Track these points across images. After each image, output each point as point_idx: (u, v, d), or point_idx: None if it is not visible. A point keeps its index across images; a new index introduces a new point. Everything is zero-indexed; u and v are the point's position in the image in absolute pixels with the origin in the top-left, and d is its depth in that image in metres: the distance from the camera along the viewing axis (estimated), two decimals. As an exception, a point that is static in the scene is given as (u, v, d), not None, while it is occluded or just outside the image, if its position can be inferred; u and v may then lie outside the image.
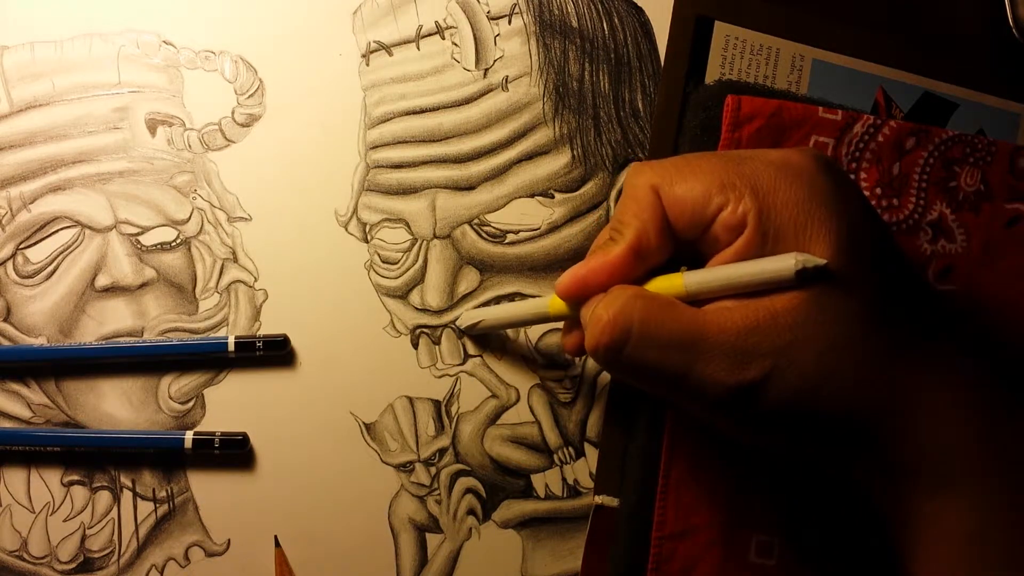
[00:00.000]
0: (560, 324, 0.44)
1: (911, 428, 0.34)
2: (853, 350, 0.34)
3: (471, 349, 0.46)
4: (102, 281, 0.46)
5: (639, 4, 0.48)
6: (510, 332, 0.46)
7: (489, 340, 0.46)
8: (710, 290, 0.35)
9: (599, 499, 0.44)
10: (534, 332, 0.46)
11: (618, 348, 0.35)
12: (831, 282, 0.34)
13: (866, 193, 0.44)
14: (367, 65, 0.48)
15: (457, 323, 0.46)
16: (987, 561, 0.33)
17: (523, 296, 0.46)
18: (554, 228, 0.47)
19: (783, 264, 0.33)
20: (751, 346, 0.34)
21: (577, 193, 0.47)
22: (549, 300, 0.40)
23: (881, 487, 0.36)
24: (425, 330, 0.46)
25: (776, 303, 0.34)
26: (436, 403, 0.46)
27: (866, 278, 0.34)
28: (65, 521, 0.45)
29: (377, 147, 0.47)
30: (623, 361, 0.36)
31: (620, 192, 0.47)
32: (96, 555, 0.45)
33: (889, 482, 0.35)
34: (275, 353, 0.45)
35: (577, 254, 0.47)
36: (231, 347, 0.45)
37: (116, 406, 0.46)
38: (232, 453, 0.45)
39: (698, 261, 0.37)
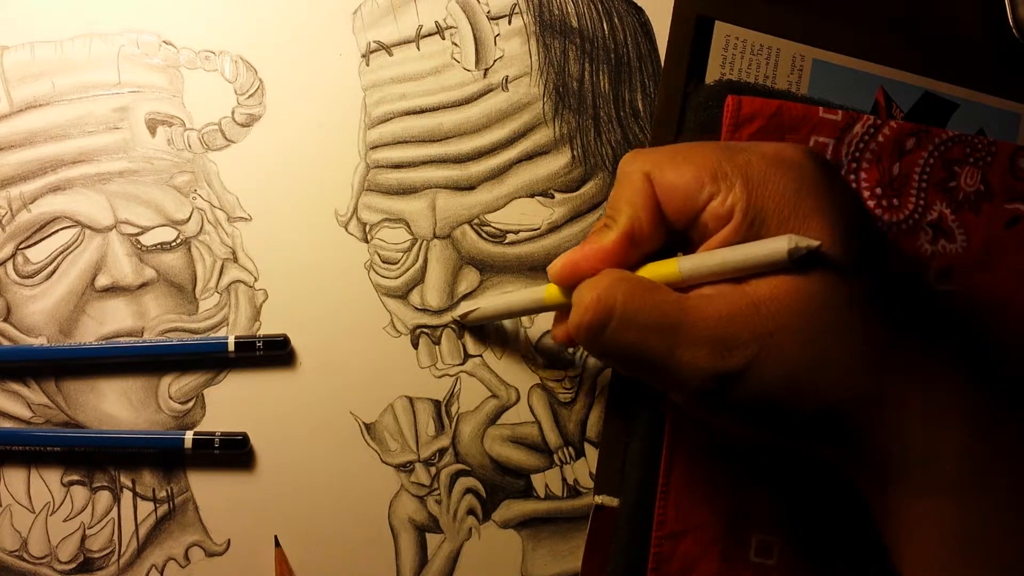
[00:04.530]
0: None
1: (896, 428, 0.34)
2: (837, 343, 0.33)
3: (471, 349, 0.46)
4: (102, 281, 0.46)
5: (639, 4, 0.48)
6: (510, 329, 0.46)
7: (488, 335, 0.46)
8: (704, 274, 0.35)
9: (599, 499, 0.44)
10: (534, 332, 0.46)
11: (600, 328, 0.35)
12: (818, 272, 0.33)
13: (866, 193, 0.44)
14: (367, 65, 0.48)
15: (453, 312, 0.46)
16: (972, 565, 0.33)
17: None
18: (554, 228, 0.47)
19: (776, 246, 0.33)
20: (732, 333, 0.33)
21: (577, 193, 0.47)
22: (545, 289, 0.40)
23: (869, 486, 0.36)
24: (425, 330, 0.46)
25: (759, 290, 0.34)
26: (436, 403, 0.46)
27: (855, 271, 0.34)
28: (65, 521, 0.45)
29: (377, 147, 0.47)
30: (605, 342, 0.36)
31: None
32: (96, 555, 0.45)
33: (875, 481, 0.35)
34: (275, 353, 0.45)
35: (577, 254, 0.47)
36: (231, 347, 0.45)
37: (116, 406, 0.46)
38: (232, 453, 0.45)
39: (691, 252, 0.37)
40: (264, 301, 0.46)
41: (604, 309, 0.35)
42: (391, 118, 0.47)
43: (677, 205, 0.36)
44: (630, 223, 0.37)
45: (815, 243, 0.33)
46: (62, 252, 0.46)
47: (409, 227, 0.47)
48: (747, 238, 0.35)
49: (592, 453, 0.46)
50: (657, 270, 0.36)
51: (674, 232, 0.37)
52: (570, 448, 0.46)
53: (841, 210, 0.35)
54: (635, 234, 0.37)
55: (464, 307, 0.45)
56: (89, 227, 0.46)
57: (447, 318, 0.46)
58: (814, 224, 0.34)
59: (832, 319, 0.33)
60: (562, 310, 0.41)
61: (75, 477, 0.45)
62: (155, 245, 0.46)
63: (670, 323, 0.34)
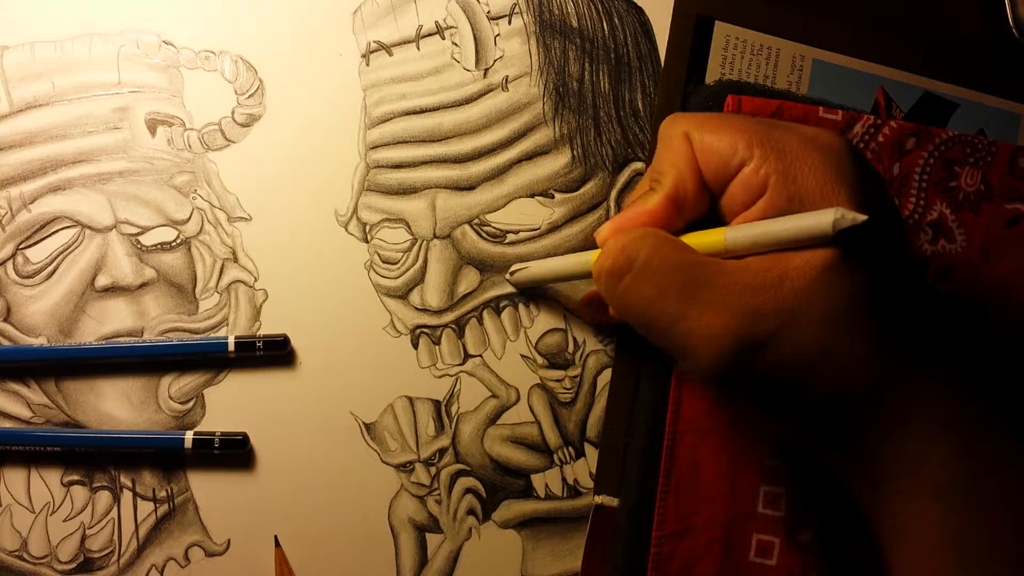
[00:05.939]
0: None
1: (891, 428, 0.34)
2: (856, 327, 0.33)
3: (471, 349, 0.46)
4: (102, 281, 0.46)
5: (639, 4, 0.48)
6: (510, 329, 0.46)
7: (487, 334, 0.46)
8: (747, 244, 0.35)
9: (599, 499, 0.44)
10: (534, 332, 0.46)
11: (620, 274, 0.36)
12: (850, 254, 0.33)
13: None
14: (367, 65, 0.48)
15: (506, 274, 0.46)
16: (961, 567, 0.33)
17: (521, 297, 0.46)
18: (554, 228, 0.47)
19: (822, 218, 0.33)
20: (756, 306, 0.33)
21: (577, 193, 0.47)
22: (593, 254, 0.40)
23: (860, 486, 0.36)
24: (425, 330, 0.46)
25: (790, 263, 0.33)
26: (436, 403, 0.46)
27: (881, 260, 0.34)
28: (65, 521, 0.45)
29: (377, 147, 0.47)
30: (622, 290, 0.36)
31: (621, 192, 0.47)
32: (96, 555, 0.45)
33: (867, 482, 0.35)
34: (275, 353, 0.45)
35: (577, 254, 0.47)
36: (231, 347, 0.45)
37: (116, 406, 0.46)
38: (232, 453, 0.45)
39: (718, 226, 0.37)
40: (264, 301, 0.46)
41: (626, 257, 0.35)
42: (391, 118, 0.47)
43: (712, 168, 0.36)
44: (675, 185, 0.36)
45: (861, 217, 0.32)
46: (62, 252, 0.46)
47: (409, 227, 0.47)
48: (785, 213, 0.34)
49: (592, 453, 0.46)
50: (701, 239, 0.36)
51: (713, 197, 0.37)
52: (570, 448, 0.46)
53: (874, 200, 0.34)
54: (680, 197, 0.36)
55: (515, 266, 0.45)
56: (89, 227, 0.46)
57: (447, 318, 0.46)
58: (846, 208, 0.33)
59: (852, 305, 0.33)
60: None
61: (75, 477, 0.45)
62: (155, 245, 0.46)
63: (692, 284, 0.34)
